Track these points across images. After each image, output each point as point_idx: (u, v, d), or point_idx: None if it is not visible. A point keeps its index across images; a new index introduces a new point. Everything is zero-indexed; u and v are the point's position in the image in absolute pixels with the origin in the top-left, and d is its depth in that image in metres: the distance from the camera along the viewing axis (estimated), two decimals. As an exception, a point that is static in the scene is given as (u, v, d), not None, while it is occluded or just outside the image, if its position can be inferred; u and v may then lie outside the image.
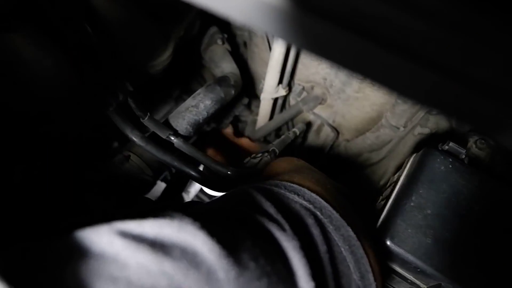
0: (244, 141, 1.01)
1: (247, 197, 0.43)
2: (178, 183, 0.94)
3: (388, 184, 0.66)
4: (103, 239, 0.29)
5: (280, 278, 0.32)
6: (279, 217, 0.39)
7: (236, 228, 0.34)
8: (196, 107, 0.74)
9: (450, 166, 0.55)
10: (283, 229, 0.37)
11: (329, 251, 0.39)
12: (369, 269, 0.42)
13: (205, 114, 0.75)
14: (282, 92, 0.89)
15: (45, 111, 0.58)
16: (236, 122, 1.09)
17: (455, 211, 0.52)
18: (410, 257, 0.50)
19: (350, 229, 0.43)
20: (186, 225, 0.31)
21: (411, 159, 0.59)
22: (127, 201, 0.59)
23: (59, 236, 0.30)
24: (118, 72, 0.64)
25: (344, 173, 0.95)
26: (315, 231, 0.40)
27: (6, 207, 0.54)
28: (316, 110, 0.95)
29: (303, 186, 0.47)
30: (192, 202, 0.56)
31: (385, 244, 0.51)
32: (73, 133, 0.65)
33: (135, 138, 0.63)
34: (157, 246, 0.28)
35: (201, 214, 0.37)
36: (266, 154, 0.75)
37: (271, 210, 0.40)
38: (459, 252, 0.50)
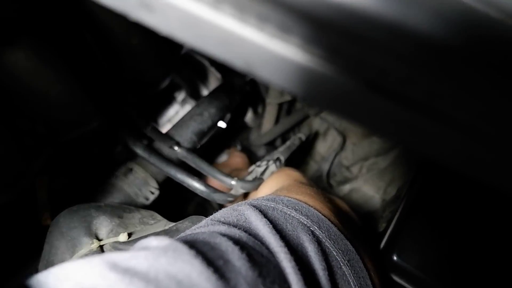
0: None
1: (243, 215, 0.42)
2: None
3: (395, 197, 0.65)
4: (95, 271, 0.28)
5: None
6: (275, 236, 0.38)
7: (231, 252, 0.33)
8: (200, 115, 0.73)
9: (454, 183, 0.54)
10: (279, 249, 0.37)
11: (328, 267, 0.39)
12: (369, 282, 0.42)
13: (210, 122, 0.74)
14: (287, 97, 0.87)
15: (53, 123, 0.58)
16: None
17: (462, 226, 0.51)
18: (417, 273, 0.49)
19: (348, 243, 0.43)
20: (182, 254, 0.30)
21: (416, 175, 0.58)
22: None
23: (47, 270, 0.29)
24: (122, 83, 0.64)
25: (352, 178, 0.94)
26: (313, 247, 0.39)
27: (30, 222, 0.54)
28: (323, 114, 0.94)
29: (301, 201, 0.46)
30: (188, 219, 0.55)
31: (392, 259, 0.50)
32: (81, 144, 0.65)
33: (138, 150, 0.62)
34: (151, 279, 0.27)
35: (195, 239, 0.36)
36: (271, 161, 0.74)
37: (267, 228, 0.39)
38: (466, 266, 0.49)
